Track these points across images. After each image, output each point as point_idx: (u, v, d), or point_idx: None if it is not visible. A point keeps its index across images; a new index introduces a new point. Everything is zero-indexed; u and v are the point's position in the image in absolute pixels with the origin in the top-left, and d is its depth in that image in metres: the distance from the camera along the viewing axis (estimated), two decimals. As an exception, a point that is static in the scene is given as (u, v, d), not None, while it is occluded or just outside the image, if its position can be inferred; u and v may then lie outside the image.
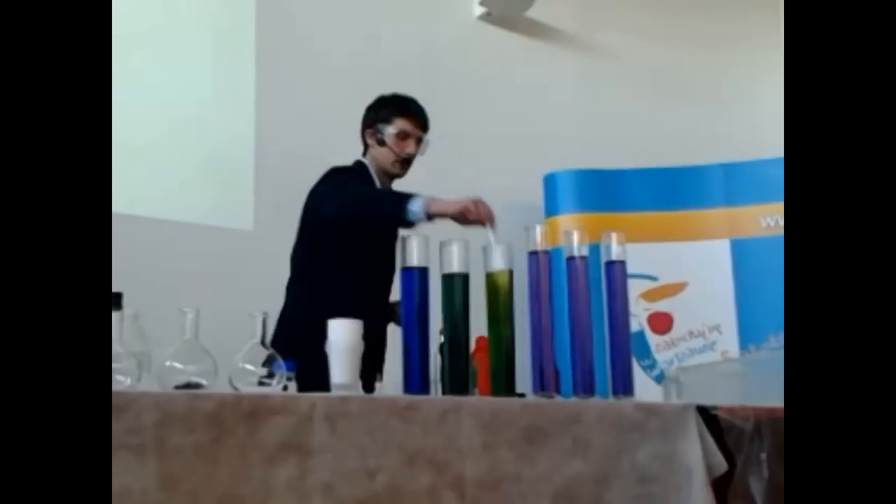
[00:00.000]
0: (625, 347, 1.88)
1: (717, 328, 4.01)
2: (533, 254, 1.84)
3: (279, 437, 1.37)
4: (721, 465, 1.67)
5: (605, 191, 4.17)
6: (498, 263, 1.79)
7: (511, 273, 1.80)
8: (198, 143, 3.60)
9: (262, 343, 1.67)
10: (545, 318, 1.81)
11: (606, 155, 4.33)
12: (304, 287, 2.62)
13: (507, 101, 4.45)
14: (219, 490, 1.31)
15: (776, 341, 3.76)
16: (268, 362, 1.66)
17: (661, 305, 4.06)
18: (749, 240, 4.06)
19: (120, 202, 2.99)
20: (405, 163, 2.66)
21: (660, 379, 3.83)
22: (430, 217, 2.32)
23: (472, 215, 2.27)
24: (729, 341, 3.97)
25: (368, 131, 2.70)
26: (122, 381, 1.46)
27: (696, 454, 1.64)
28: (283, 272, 2.71)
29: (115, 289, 1.50)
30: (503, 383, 1.75)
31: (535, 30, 4.66)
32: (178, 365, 1.58)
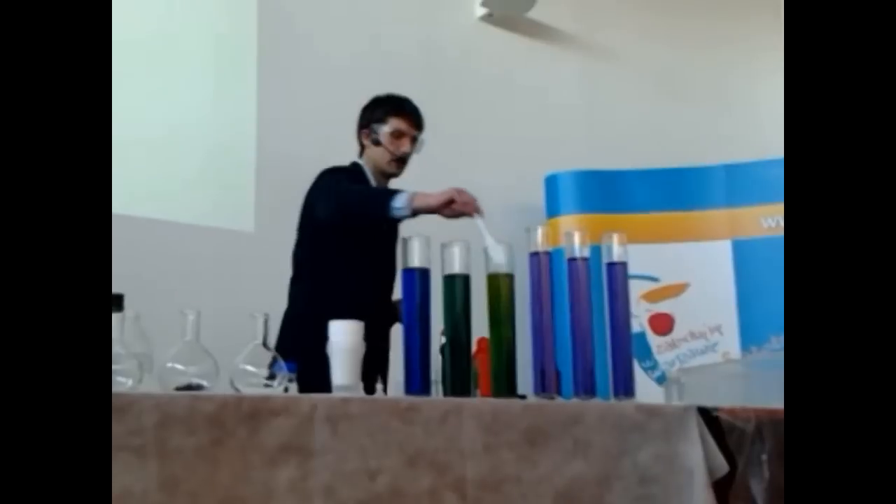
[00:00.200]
0: (626, 348, 1.88)
1: (718, 329, 4.01)
2: (534, 255, 1.84)
3: (280, 438, 1.37)
4: (722, 466, 1.67)
5: (606, 192, 4.17)
6: (495, 254, 1.80)
7: (512, 274, 1.80)
8: (199, 145, 3.60)
9: (264, 344, 1.67)
10: (546, 319, 1.81)
11: (608, 156, 4.34)
12: (305, 287, 2.63)
13: (508, 101, 4.46)
14: (220, 492, 1.31)
15: (777, 342, 3.76)
16: (271, 364, 1.66)
17: (663, 306, 4.06)
18: (750, 241, 4.05)
19: (121, 203, 3.00)
20: (400, 161, 2.68)
21: (661, 380, 3.83)
22: (415, 212, 2.32)
23: (456, 206, 2.29)
24: (730, 342, 3.97)
25: (364, 132, 2.72)
26: (123, 382, 1.46)
27: (697, 455, 1.64)
28: (284, 273, 2.71)
29: (116, 290, 1.50)
30: (504, 384, 1.75)
31: (536, 31, 4.66)
32: (179, 366, 1.58)
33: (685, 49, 4.99)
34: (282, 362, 1.67)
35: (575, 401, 1.78)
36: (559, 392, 1.80)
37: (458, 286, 1.75)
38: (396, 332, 2.56)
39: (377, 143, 2.67)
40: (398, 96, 2.73)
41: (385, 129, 2.66)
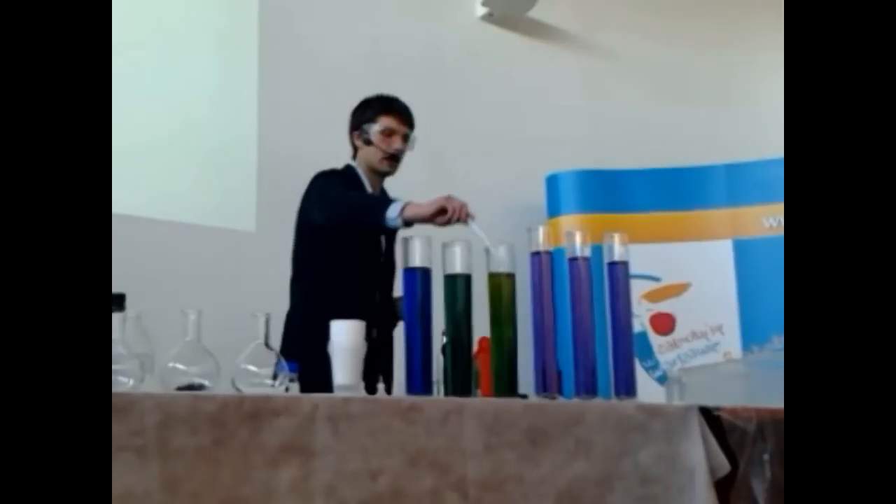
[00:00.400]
0: (627, 348, 1.88)
1: (719, 329, 4.01)
2: (535, 254, 1.84)
3: (281, 438, 1.37)
4: (724, 466, 1.67)
5: (607, 191, 4.17)
6: (495, 253, 1.80)
7: (513, 274, 1.80)
8: (200, 145, 3.60)
9: (265, 344, 1.67)
10: (548, 319, 1.81)
11: (609, 155, 4.34)
12: (305, 288, 2.65)
13: (509, 101, 4.46)
14: (221, 492, 1.31)
15: (779, 342, 3.76)
16: (276, 365, 1.66)
17: (664, 306, 4.06)
18: (752, 240, 4.05)
19: (122, 203, 3.00)
20: (393, 159, 2.69)
21: (662, 380, 3.83)
22: (406, 222, 2.33)
23: (447, 214, 2.30)
24: (731, 342, 3.96)
25: (355, 133, 2.74)
26: (124, 382, 1.46)
27: (698, 455, 1.64)
28: (285, 273, 2.71)
29: (117, 290, 1.50)
30: (506, 384, 1.75)
31: (537, 30, 4.66)
32: (180, 366, 1.58)
33: (686, 48, 4.99)
34: (283, 362, 1.67)
35: (576, 401, 1.78)
36: (560, 392, 1.80)
37: (459, 286, 1.75)
38: (398, 332, 2.57)
39: (369, 142, 2.69)
40: (387, 96, 2.75)
41: (376, 128, 2.68)
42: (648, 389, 3.28)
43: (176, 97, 3.56)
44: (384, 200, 2.44)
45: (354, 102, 2.80)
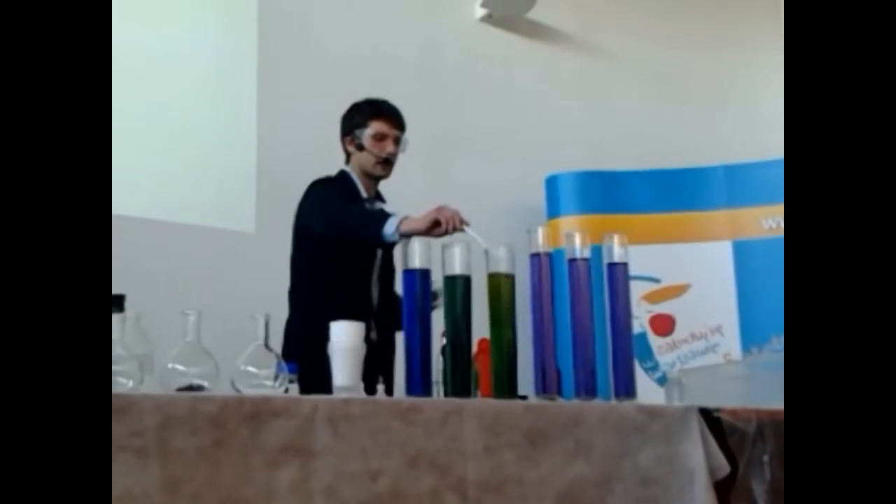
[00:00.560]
0: (627, 349, 1.88)
1: (719, 330, 4.01)
2: (535, 256, 1.84)
3: (281, 439, 1.37)
4: (723, 467, 1.67)
5: (606, 193, 4.17)
6: (494, 253, 1.81)
7: (513, 275, 1.80)
8: (200, 146, 3.60)
9: (265, 345, 1.67)
10: (547, 320, 1.81)
11: (608, 157, 4.34)
12: (304, 295, 2.66)
13: (508, 102, 4.46)
14: (221, 492, 1.31)
15: (778, 343, 3.76)
16: (278, 367, 1.66)
17: (663, 307, 4.05)
18: (751, 241, 4.05)
19: (122, 204, 2.99)
20: (386, 163, 2.70)
21: (662, 381, 3.82)
22: (403, 237, 2.34)
23: (442, 225, 2.34)
24: (731, 343, 3.96)
25: (347, 139, 2.75)
26: (124, 383, 1.46)
27: (698, 456, 1.64)
28: (285, 274, 2.71)
29: (117, 291, 1.50)
30: (505, 385, 1.75)
31: (536, 31, 4.66)
32: (180, 367, 1.58)
33: (685, 49, 4.99)
34: (283, 363, 1.67)
35: (576, 402, 1.78)
36: (560, 393, 1.80)
37: (458, 287, 1.75)
38: (398, 333, 2.57)
39: (361, 147, 2.70)
40: (376, 99, 2.76)
41: (367, 133, 2.69)
42: (648, 391, 3.28)
43: (175, 98, 3.56)
44: (381, 216, 2.45)
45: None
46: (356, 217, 2.57)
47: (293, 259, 2.70)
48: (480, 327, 1.80)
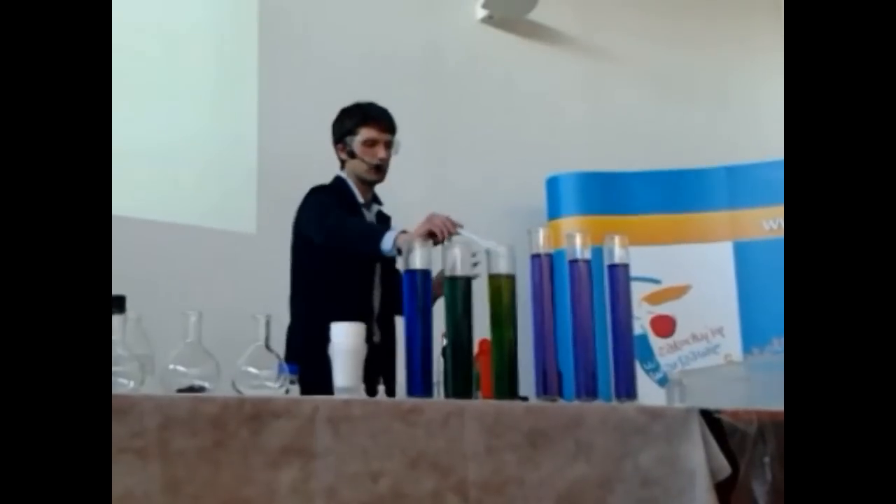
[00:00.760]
0: (628, 351, 1.88)
1: (720, 331, 4.00)
2: (536, 257, 1.84)
3: (282, 440, 1.37)
4: (724, 468, 1.66)
5: (607, 194, 4.17)
6: (494, 246, 1.81)
7: (514, 276, 1.80)
8: (201, 147, 3.60)
9: (266, 346, 1.67)
10: (548, 321, 1.81)
11: (609, 158, 4.33)
12: (306, 301, 2.68)
13: (509, 103, 4.46)
14: (222, 494, 1.31)
15: (779, 344, 3.76)
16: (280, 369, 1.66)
17: (664, 308, 4.05)
18: (752, 242, 4.05)
19: (123, 205, 3.00)
20: (378, 169, 2.70)
21: (663, 382, 3.82)
22: (400, 251, 2.36)
23: (437, 234, 2.37)
24: (732, 344, 3.96)
25: (338, 146, 2.75)
26: (125, 384, 1.46)
27: (699, 458, 1.64)
28: (286, 275, 2.72)
29: (118, 292, 1.50)
30: (506, 386, 1.74)
31: (537, 32, 4.66)
32: (181, 368, 1.58)
33: (686, 50, 4.99)
34: (284, 364, 1.67)
35: (577, 403, 1.78)
36: (561, 394, 1.80)
37: (459, 288, 1.75)
38: (399, 334, 2.58)
39: (353, 155, 2.70)
40: (364, 104, 2.75)
41: (357, 140, 2.69)
42: (649, 392, 3.28)
43: (176, 99, 3.56)
44: (379, 231, 2.48)
45: (354, 105, 2.80)
46: (355, 232, 2.59)
47: (293, 266, 2.72)
48: (481, 328, 1.80)
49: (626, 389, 1.84)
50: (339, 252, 2.57)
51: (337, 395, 1.65)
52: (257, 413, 1.36)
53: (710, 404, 1.74)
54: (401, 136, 2.76)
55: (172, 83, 3.57)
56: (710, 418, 1.70)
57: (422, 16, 4.35)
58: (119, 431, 1.24)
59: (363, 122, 2.70)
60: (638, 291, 3.91)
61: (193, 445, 1.30)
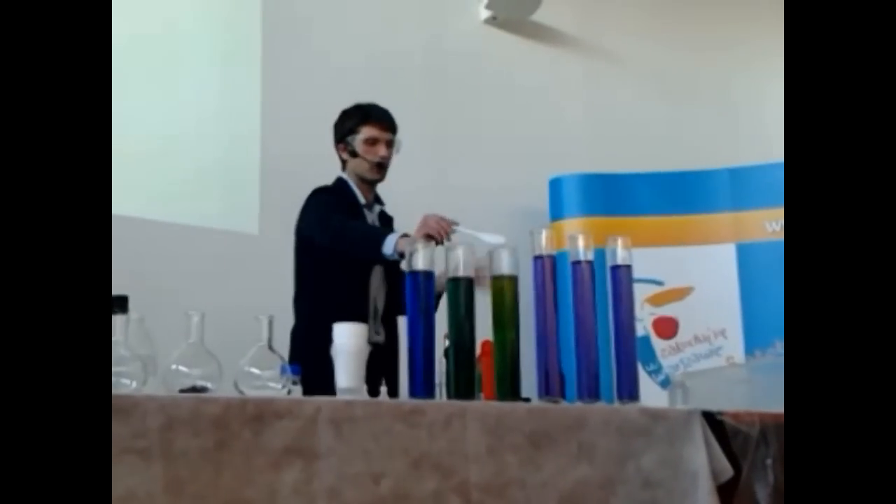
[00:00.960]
0: (630, 352, 1.88)
1: (722, 333, 4.00)
2: (538, 258, 1.84)
3: (285, 441, 1.37)
4: (727, 470, 1.66)
5: (610, 195, 4.17)
6: (494, 239, 1.81)
7: (516, 277, 1.80)
8: (203, 147, 3.61)
9: (269, 346, 1.67)
10: (550, 322, 1.80)
11: (612, 159, 4.33)
12: (308, 302, 2.68)
13: (512, 104, 4.46)
14: (224, 494, 1.31)
15: (782, 346, 3.75)
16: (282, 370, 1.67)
17: (667, 310, 4.05)
18: (755, 244, 4.05)
19: (126, 205, 3.00)
20: (380, 167, 2.72)
21: (665, 384, 3.82)
22: (402, 255, 2.36)
23: (435, 236, 2.39)
24: (735, 346, 3.96)
25: (340, 146, 2.76)
26: (127, 384, 1.47)
27: (701, 460, 1.63)
28: (288, 275, 2.72)
29: (121, 292, 1.51)
30: (508, 388, 1.74)
31: (540, 33, 4.66)
32: (183, 368, 1.58)
33: (689, 52, 4.99)
34: (286, 365, 1.67)
35: (579, 404, 1.77)
36: (563, 395, 1.80)
37: (461, 289, 1.75)
38: (401, 336, 2.58)
39: (354, 154, 2.71)
40: (365, 104, 2.77)
41: (359, 139, 2.70)
42: (651, 393, 3.28)
43: (179, 100, 3.56)
44: (380, 235, 2.48)
45: (358, 106, 2.80)
46: (356, 236, 2.59)
47: (296, 267, 2.73)
48: (484, 329, 1.80)
49: (629, 391, 1.84)
50: (342, 254, 2.58)
51: (339, 396, 1.65)
52: (260, 414, 1.36)
53: (713, 406, 1.74)
54: (403, 136, 2.76)
55: (175, 83, 3.57)
56: (713, 420, 1.70)
57: (425, 16, 4.35)
58: (121, 432, 1.24)
59: (365, 120, 2.71)
60: (640, 293, 3.89)
61: (196, 446, 1.30)
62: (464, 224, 2.46)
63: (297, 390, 1.76)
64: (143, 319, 1.72)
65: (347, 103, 2.81)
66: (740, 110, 4.97)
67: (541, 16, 4.54)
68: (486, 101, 4.39)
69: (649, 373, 3.94)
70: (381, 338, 2.62)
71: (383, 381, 1.95)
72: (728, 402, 1.86)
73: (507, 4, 4.43)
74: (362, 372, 1.71)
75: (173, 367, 1.58)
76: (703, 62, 5.00)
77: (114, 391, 1.33)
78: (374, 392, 1.86)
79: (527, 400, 1.77)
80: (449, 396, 1.73)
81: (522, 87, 4.54)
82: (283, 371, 1.66)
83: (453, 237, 2.42)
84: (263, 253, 3.43)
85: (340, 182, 2.75)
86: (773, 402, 1.78)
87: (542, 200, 4.19)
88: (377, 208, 2.78)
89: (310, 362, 1.91)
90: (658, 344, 4.03)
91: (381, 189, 2.80)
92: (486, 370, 1.86)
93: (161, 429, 1.28)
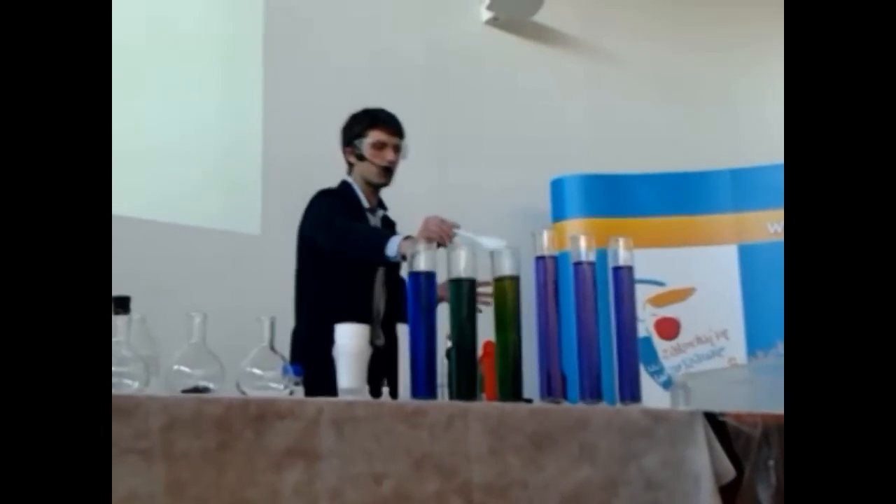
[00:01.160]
0: (632, 353, 1.88)
1: (724, 334, 4.00)
2: (540, 259, 1.84)
3: (286, 441, 1.37)
4: (729, 471, 1.66)
5: (612, 196, 4.17)
6: (494, 243, 1.81)
7: (518, 277, 1.80)
8: (206, 148, 3.61)
9: (270, 347, 1.67)
10: (552, 323, 1.80)
11: (614, 160, 4.33)
12: (310, 304, 2.68)
13: (513, 105, 4.46)
14: (226, 495, 1.31)
15: (783, 347, 3.74)
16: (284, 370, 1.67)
17: (669, 311, 4.05)
18: (757, 245, 4.05)
19: (128, 206, 3.01)
20: (387, 171, 2.73)
21: (667, 385, 3.82)
22: (404, 257, 2.37)
23: (436, 239, 2.37)
24: (736, 347, 3.96)
25: (347, 149, 2.77)
26: (129, 384, 1.47)
27: (703, 461, 1.63)
28: (290, 276, 2.72)
29: (123, 292, 1.51)
30: (510, 389, 1.74)
31: (542, 34, 4.66)
32: (185, 369, 1.58)
33: (691, 53, 4.99)
34: (288, 365, 1.67)
35: (581, 405, 1.77)
36: (565, 396, 1.80)
37: (464, 290, 1.75)
38: (403, 337, 2.58)
39: (362, 157, 2.72)
40: (373, 109, 2.78)
41: (367, 142, 2.71)
42: (653, 394, 3.27)
43: (181, 100, 3.56)
44: (384, 237, 2.48)
45: (360, 106, 2.81)
46: (360, 237, 2.60)
47: (298, 268, 2.73)
48: (486, 330, 1.79)
49: (631, 392, 1.84)
50: (345, 256, 2.58)
51: (341, 397, 1.65)
52: (261, 414, 1.36)
53: (715, 407, 1.73)
54: (405, 137, 2.76)
55: (177, 84, 3.57)
56: (715, 421, 1.70)
57: (427, 18, 4.35)
58: (123, 432, 1.24)
59: (373, 124, 2.72)
60: (642, 294, 3.90)
61: (198, 446, 1.30)
62: (465, 225, 2.45)
63: (299, 391, 1.76)
64: (146, 320, 1.72)
65: (349, 104, 2.82)
66: (742, 111, 4.97)
67: (542, 17, 4.54)
68: (487, 102, 4.39)
69: (651, 374, 3.94)
70: (381, 341, 2.63)
71: (385, 382, 1.96)
72: (730, 403, 1.86)
73: (509, 5, 4.43)
74: (364, 373, 1.71)
75: (175, 367, 1.58)
76: (704, 63, 5.00)
77: (116, 392, 1.34)
78: (375, 394, 1.87)
79: (529, 401, 1.77)
80: (451, 397, 1.73)
81: (524, 88, 4.54)
82: (284, 372, 1.66)
83: (455, 240, 2.42)
84: (265, 253, 3.43)
85: (345, 185, 2.76)
86: (775, 403, 1.78)
87: (544, 201, 4.19)
88: (380, 213, 2.79)
89: (312, 363, 1.91)
90: (660, 345, 4.03)
91: (384, 189, 2.80)
92: (488, 371, 1.86)
93: (163, 429, 1.28)
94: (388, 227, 2.80)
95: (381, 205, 2.80)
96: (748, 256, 4.05)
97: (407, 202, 2.86)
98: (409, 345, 1.74)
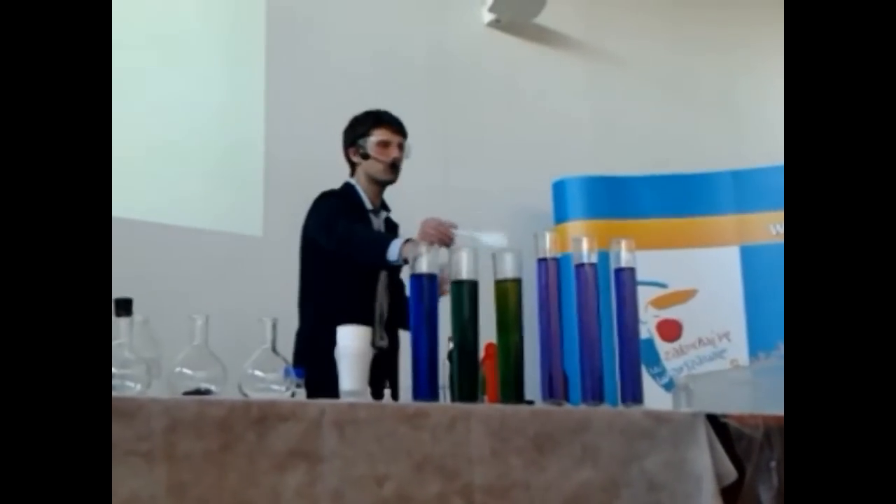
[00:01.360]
0: (634, 355, 1.88)
1: (726, 336, 4.00)
2: (542, 261, 1.84)
3: (288, 443, 1.37)
4: (730, 473, 1.66)
5: (614, 198, 4.17)
6: (496, 241, 1.81)
7: (520, 279, 1.80)
8: (208, 150, 3.61)
9: (272, 349, 1.67)
10: (554, 325, 1.80)
11: (616, 162, 4.34)
12: (314, 306, 2.69)
13: (515, 107, 4.46)
14: (228, 497, 1.31)
15: (786, 349, 3.74)
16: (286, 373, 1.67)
17: (671, 313, 4.05)
18: (759, 247, 4.04)
19: (130, 208, 3.01)
20: (393, 167, 2.74)
21: (669, 387, 3.82)
22: (406, 260, 2.37)
23: (436, 242, 2.39)
24: (738, 349, 3.95)
25: (351, 150, 2.78)
26: (131, 386, 1.47)
27: (705, 462, 1.63)
28: (293, 278, 2.72)
29: (124, 294, 1.51)
30: (512, 390, 1.74)
31: (543, 36, 4.66)
32: (187, 371, 1.58)
33: (693, 54, 4.99)
34: (290, 367, 1.67)
35: (583, 407, 1.77)
36: (567, 398, 1.80)
37: (465, 292, 1.75)
38: (405, 338, 2.58)
39: (367, 156, 2.73)
40: (376, 110, 2.79)
41: (372, 141, 2.73)
42: (655, 396, 3.27)
43: (184, 102, 3.57)
44: (386, 241, 2.49)
45: (362, 107, 2.81)
46: (362, 240, 2.61)
47: (301, 270, 2.73)
48: (487, 332, 1.79)
49: (633, 393, 1.84)
50: (347, 258, 2.58)
51: (343, 399, 1.65)
52: (263, 416, 1.36)
53: (717, 409, 1.73)
54: (408, 137, 2.77)
55: (179, 85, 3.58)
56: (717, 423, 1.70)
57: (429, 19, 4.36)
58: (125, 434, 1.24)
59: (377, 124, 2.74)
60: (644, 295, 3.89)
61: (200, 448, 1.30)
62: (466, 227, 2.46)
63: (301, 393, 1.76)
64: (148, 322, 1.73)
65: (351, 106, 2.82)
66: (744, 113, 4.97)
67: (544, 18, 4.54)
68: (489, 103, 4.39)
69: (653, 375, 3.94)
70: (385, 343, 2.63)
71: (387, 384, 1.96)
72: (732, 404, 1.86)
73: (511, 7, 4.43)
74: (366, 374, 1.71)
75: (177, 369, 1.58)
76: (706, 65, 5.00)
77: (118, 393, 1.34)
78: (377, 396, 1.87)
79: (530, 402, 1.77)
80: (453, 399, 1.73)
81: (526, 89, 4.54)
82: (286, 374, 1.66)
83: (455, 240, 2.43)
84: (267, 255, 3.44)
85: (348, 187, 2.76)
86: (776, 404, 1.78)
87: (546, 203, 4.19)
88: (383, 214, 2.79)
89: (314, 365, 1.91)
90: (662, 346, 4.03)
91: (386, 192, 2.80)
92: (489, 373, 1.86)
93: (165, 431, 1.28)
94: (392, 228, 2.80)
95: (385, 206, 2.81)
96: (750, 258, 4.05)
97: (409, 204, 2.86)
98: (410, 346, 1.74)
